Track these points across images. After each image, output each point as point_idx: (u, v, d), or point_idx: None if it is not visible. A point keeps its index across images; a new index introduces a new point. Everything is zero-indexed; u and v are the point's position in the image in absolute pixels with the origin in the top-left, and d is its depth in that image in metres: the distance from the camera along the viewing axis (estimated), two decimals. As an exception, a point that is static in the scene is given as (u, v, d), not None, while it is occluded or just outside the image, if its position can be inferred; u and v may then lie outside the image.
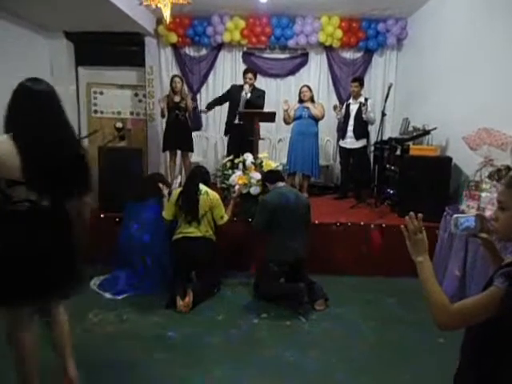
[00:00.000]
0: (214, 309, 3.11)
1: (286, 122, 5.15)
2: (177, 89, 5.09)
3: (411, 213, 1.23)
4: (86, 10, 4.73)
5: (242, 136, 4.56)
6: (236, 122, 4.86)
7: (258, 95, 4.99)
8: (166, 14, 3.95)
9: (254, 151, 4.16)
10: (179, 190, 3.47)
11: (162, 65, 6.18)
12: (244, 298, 3.32)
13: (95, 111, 6.57)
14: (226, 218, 3.47)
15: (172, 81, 5.16)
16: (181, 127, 5.15)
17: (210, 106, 5.28)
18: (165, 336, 2.73)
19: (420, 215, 1.24)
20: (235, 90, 5.01)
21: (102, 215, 3.93)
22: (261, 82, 6.09)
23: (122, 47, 6.14)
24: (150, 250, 3.42)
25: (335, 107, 5.14)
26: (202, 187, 3.41)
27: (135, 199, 3.58)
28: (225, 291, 3.45)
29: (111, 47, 6.10)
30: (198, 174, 3.53)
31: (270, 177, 3.48)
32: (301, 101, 5.10)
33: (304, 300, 3.10)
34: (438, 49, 4.69)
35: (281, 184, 3.37)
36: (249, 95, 4.86)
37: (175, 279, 3.25)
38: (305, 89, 5.11)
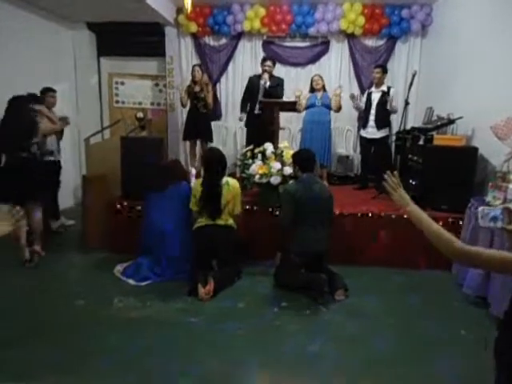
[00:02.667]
0: (234, 297, 3.15)
1: (298, 111, 5.12)
2: (196, 78, 5.11)
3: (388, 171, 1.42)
4: (108, 0, 4.77)
5: (262, 126, 4.55)
6: (256, 111, 4.84)
7: (277, 83, 4.96)
8: (188, 2, 3.93)
9: (275, 141, 4.14)
10: (199, 181, 3.46)
11: (181, 54, 6.18)
12: (264, 287, 3.35)
13: (116, 101, 6.65)
14: (239, 209, 3.49)
15: (192, 69, 5.20)
16: (200, 117, 5.20)
17: (243, 108, 5.22)
18: (187, 322, 2.78)
19: (395, 172, 1.46)
20: (254, 80, 4.99)
21: (124, 203, 4.01)
22: (281, 71, 6.05)
23: (142, 37, 6.17)
24: (172, 239, 3.47)
25: (352, 96, 5.06)
26: (224, 179, 3.41)
27: (155, 188, 3.61)
28: (245, 280, 3.48)
29: (132, 37, 6.15)
30: (214, 162, 3.41)
31: (305, 165, 3.34)
32: (312, 90, 5.09)
33: (324, 290, 3.11)
34: (464, 35, 4.53)
35: (308, 174, 3.32)
36: (268, 84, 4.84)
37: (197, 267, 3.29)
38: (317, 77, 5.10)
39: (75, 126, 5.66)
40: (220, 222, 3.37)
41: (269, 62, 4.95)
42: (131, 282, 3.37)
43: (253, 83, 4.99)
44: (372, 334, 2.68)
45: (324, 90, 5.12)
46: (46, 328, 2.68)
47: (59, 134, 4.64)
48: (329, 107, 5.09)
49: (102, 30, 6.12)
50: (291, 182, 3.54)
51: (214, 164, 3.40)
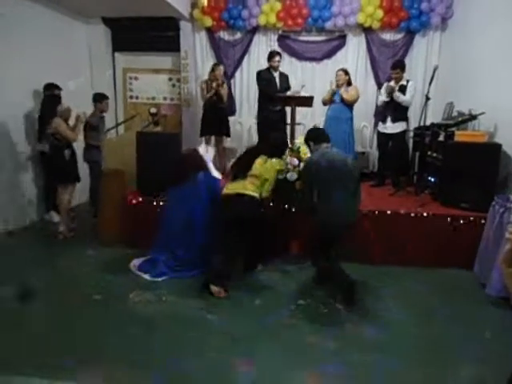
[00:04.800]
0: (251, 294, 3.12)
1: (324, 103, 5.05)
2: (218, 77, 5.13)
3: None
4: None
5: (281, 121, 4.52)
6: (278, 108, 4.74)
7: (286, 80, 4.90)
8: (204, -4, 3.89)
9: (291, 137, 4.09)
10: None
11: (196, 49, 6.14)
12: (281, 284, 3.31)
13: (130, 96, 6.66)
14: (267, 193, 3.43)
15: (216, 68, 5.19)
16: (219, 113, 5.22)
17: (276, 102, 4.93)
18: (203, 318, 2.77)
19: None
20: (268, 75, 4.91)
21: (140, 198, 4.00)
22: (296, 66, 5.99)
23: (157, 32, 6.15)
24: (191, 234, 3.44)
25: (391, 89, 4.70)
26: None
27: (178, 180, 3.56)
28: (262, 276, 3.45)
29: (147, 32, 6.13)
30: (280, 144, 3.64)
31: (316, 136, 3.19)
32: (337, 85, 4.97)
33: (354, 297, 2.98)
34: (487, 29, 4.40)
35: (325, 145, 3.14)
36: (277, 79, 4.78)
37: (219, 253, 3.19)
38: (340, 72, 4.97)
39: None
40: (250, 192, 3.28)
41: (278, 58, 4.87)
42: (147, 276, 3.37)
43: (265, 79, 4.90)
44: (392, 335, 2.62)
45: (349, 84, 4.97)
46: (66, 322, 2.69)
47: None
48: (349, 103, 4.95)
49: (117, 25, 6.12)
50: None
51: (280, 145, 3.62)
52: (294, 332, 2.64)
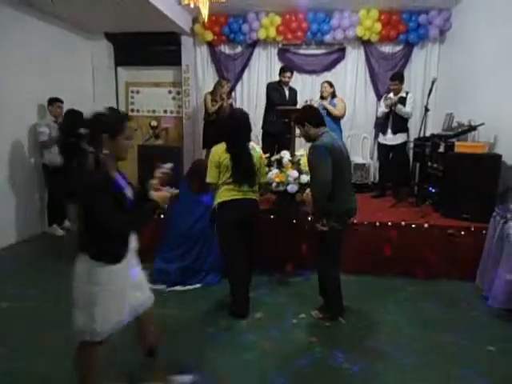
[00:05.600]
0: (252, 308, 3.09)
1: None
2: (223, 94, 5.21)
3: None
4: (126, 10, 4.84)
5: (280, 134, 4.55)
6: (286, 120, 4.75)
7: (295, 95, 4.96)
8: (204, 12, 3.96)
9: (291, 149, 4.11)
10: (221, 147, 2.93)
11: (197, 63, 6.23)
12: (281, 297, 3.29)
13: (132, 110, 6.73)
14: (266, 178, 3.32)
15: (222, 84, 5.27)
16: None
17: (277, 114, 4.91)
18: (203, 332, 2.75)
19: None
20: (277, 88, 4.96)
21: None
22: (296, 79, 6.03)
23: (159, 47, 6.25)
24: (205, 242, 3.48)
25: (391, 102, 4.72)
26: (250, 144, 3.09)
27: (189, 191, 3.56)
28: (262, 289, 3.43)
29: (149, 47, 6.23)
30: (244, 122, 2.98)
31: (315, 116, 2.84)
32: (322, 97, 5.01)
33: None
34: (485, 40, 4.44)
35: (326, 128, 2.84)
36: (287, 94, 4.84)
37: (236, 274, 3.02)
38: (325, 84, 5.01)
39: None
40: (252, 195, 3.00)
41: (288, 74, 4.91)
42: (164, 287, 3.36)
43: (277, 91, 4.93)
44: (394, 347, 2.59)
45: (333, 96, 5.01)
46: (69, 336, 2.68)
47: None
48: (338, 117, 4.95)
49: (120, 40, 6.23)
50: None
51: (244, 125, 2.98)
52: (296, 346, 2.62)
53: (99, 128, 1.72)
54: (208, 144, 5.36)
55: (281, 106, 4.60)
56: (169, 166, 2.13)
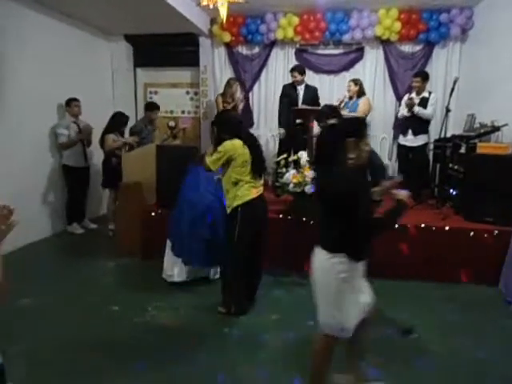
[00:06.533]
0: (268, 308, 3.09)
1: None
2: (235, 91, 5.26)
3: None
4: (145, 12, 4.90)
5: (302, 135, 4.53)
6: (299, 121, 4.74)
7: (312, 93, 4.89)
8: (223, 13, 3.97)
9: (309, 150, 4.08)
10: (238, 142, 2.86)
11: (215, 64, 6.26)
12: (298, 299, 3.27)
13: (151, 111, 6.79)
14: None
15: (232, 85, 5.31)
16: None
17: (283, 121, 5.00)
18: (220, 333, 2.75)
19: None
20: (289, 90, 4.94)
21: (159, 211, 4.05)
22: (314, 79, 6.00)
23: (177, 48, 6.30)
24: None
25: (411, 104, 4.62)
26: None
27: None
28: (279, 290, 3.42)
29: (167, 48, 6.29)
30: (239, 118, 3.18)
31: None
32: (350, 97, 5.00)
33: None
34: (509, 39, 4.33)
35: None
36: (301, 93, 4.79)
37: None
38: (350, 83, 5.01)
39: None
40: (262, 189, 3.00)
41: (295, 73, 4.85)
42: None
43: (289, 93, 4.92)
44: (414, 354, 2.54)
45: (360, 95, 4.98)
46: (84, 333, 2.73)
47: (86, 142, 5.01)
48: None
49: (139, 41, 6.31)
50: None
51: (240, 124, 3.06)
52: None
53: (348, 133, 1.80)
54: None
55: (293, 107, 4.60)
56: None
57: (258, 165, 2.89)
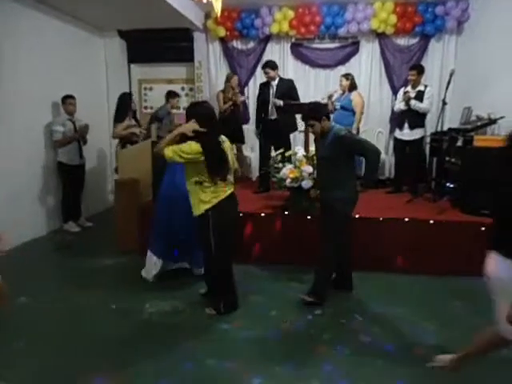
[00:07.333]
0: (267, 303, 3.09)
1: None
2: (234, 86, 5.26)
3: None
4: (139, 7, 4.84)
5: (278, 131, 4.52)
6: (273, 117, 4.68)
7: (287, 85, 4.68)
8: (217, 7, 3.93)
9: (306, 145, 4.07)
10: (194, 144, 2.60)
11: (210, 59, 6.21)
12: (297, 294, 3.26)
13: (145, 107, 6.76)
14: (236, 164, 3.11)
15: (232, 78, 5.34)
16: (235, 121, 5.32)
17: (259, 122, 4.87)
18: (219, 329, 2.74)
19: None
20: (263, 87, 4.80)
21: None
22: (310, 73, 5.99)
23: (171, 43, 6.25)
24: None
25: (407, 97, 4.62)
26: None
27: None
28: (278, 285, 3.42)
29: (161, 44, 6.23)
30: (214, 115, 2.84)
31: (327, 110, 3.21)
32: (343, 91, 5.02)
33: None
34: (505, 31, 4.33)
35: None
36: (274, 88, 4.66)
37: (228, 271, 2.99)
38: (341, 78, 5.04)
39: (108, 132, 5.76)
40: (232, 188, 2.87)
41: (267, 69, 4.64)
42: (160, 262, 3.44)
43: (263, 91, 4.79)
44: (412, 344, 2.54)
45: (350, 90, 4.96)
46: (82, 331, 2.71)
47: (82, 140, 4.94)
48: (349, 109, 4.90)
49: (132, 37, 6.24)
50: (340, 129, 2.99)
51: (214, 118, 2.86)
52: (311, 343, 2.59)
53: None
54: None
55: (264, 105, 4.67)
56: None
57: (215, 168, 2.67)
